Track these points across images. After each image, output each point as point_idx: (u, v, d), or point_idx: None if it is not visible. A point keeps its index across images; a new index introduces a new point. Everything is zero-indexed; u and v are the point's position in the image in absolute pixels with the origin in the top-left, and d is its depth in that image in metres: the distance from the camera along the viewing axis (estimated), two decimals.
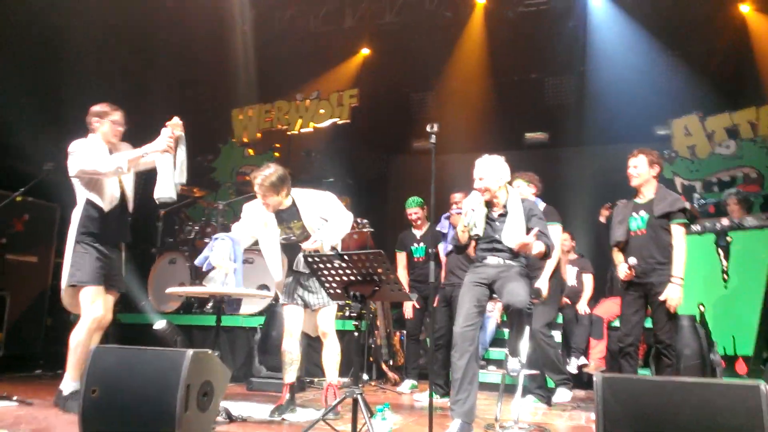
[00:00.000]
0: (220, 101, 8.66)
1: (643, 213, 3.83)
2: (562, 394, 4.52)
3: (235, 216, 7.56)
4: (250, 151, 8.97)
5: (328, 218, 3.69)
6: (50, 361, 5.32)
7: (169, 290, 3.78)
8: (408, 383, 5.07)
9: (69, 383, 3.55)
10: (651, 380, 2.21)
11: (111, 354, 2.73)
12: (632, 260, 3.75)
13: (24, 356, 5.45)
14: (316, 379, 5.14)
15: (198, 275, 6.02)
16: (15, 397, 3.70)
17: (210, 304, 5.86)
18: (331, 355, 3.73)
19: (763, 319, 4.50)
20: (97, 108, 3.80)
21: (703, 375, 4.11)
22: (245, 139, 8.97)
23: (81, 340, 3.55)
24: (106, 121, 3.76)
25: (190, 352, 2.59)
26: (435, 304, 4.72)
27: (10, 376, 4.96)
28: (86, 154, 3.61)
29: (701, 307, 4.46)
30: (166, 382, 2.53)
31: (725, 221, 4.79)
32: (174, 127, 3.65)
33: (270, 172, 3.60)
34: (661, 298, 3.65)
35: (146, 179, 4.03)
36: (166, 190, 3.60)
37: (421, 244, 5.20)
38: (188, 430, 2.51)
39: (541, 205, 4.42)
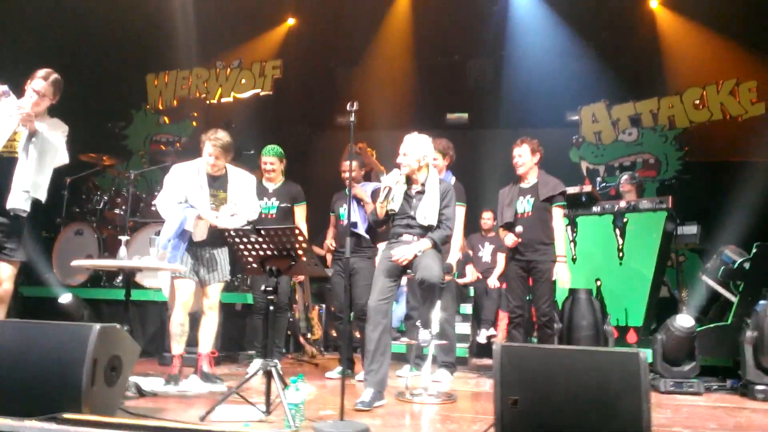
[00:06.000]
0: (134, 65, 8.20)
1: (529, 197, 4.29)
2: (444, 376, 4.31)
3: (149, 186, 7.31)
4: (166, 119, 8.60)
5: (243, 201, 3.82)
6: None
7: (75, 263, 3.60)
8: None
9: None
10: (543, 348, 2.40)
11: (10, 328, 2.60)
12: (518, 228, 4.19)
13: None
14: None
15: (107, 247, 5.76)
16: None
17: (120, 278, 5.64)
18: (212, 328, 3.84)
19: (652, 293, 4.94)
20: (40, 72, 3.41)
21: (597, 344, 4.44)
22: (160, 106, 8.58)
23: None
24: (28, 88, 3.38)
25: (97, 326, 2.52)
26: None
27: None
28: None
29: (598, 282, 4.82)
30: (72, 356, 2.45)
31: (623, 203, 5.17)
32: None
33: (224, 134, 3.75)
34: (553, 278, 4.07)
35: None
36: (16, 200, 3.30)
37: (273, 200, 4.70)
38: (95, 405, 2.45)
39: (451, 180, 4.41)
